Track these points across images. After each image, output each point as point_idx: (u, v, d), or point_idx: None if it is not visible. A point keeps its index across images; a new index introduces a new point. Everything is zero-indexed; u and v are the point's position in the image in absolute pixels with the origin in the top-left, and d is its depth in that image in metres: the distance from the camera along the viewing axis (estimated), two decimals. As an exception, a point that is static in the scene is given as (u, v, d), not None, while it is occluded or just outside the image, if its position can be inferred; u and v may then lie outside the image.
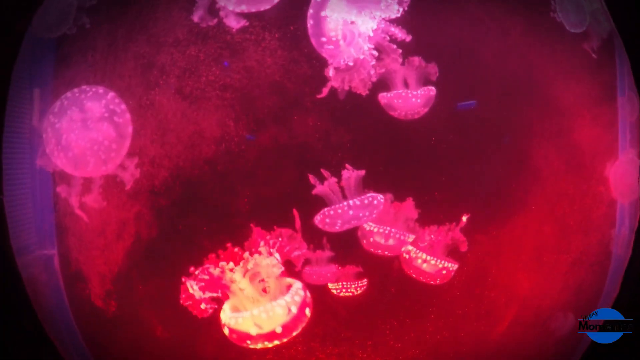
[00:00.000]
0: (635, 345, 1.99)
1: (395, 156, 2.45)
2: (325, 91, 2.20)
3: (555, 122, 2.50)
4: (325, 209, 2.18)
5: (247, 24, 2.20)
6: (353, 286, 2.36)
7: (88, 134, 2.19)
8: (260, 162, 2.35)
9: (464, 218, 2.31)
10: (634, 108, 2.47)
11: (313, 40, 2.23)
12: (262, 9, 2.16)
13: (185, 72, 2.34)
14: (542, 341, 2.49)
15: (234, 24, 2.17)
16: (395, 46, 2.20)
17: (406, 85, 2.41)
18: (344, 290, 2.35)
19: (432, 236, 2.30)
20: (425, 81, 2.40)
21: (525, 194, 2.47)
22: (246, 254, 1.93)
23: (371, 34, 2.15)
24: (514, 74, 2.49)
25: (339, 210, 2.16)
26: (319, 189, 2.18)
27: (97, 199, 2.28)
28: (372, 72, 2.19)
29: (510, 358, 2.50)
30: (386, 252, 2.37)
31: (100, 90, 2.25)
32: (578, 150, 2.50)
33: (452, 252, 2.35)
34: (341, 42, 2.16)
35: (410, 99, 2.40)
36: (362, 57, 2.17)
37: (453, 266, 2.32)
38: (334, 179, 2.19)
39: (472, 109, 2.47)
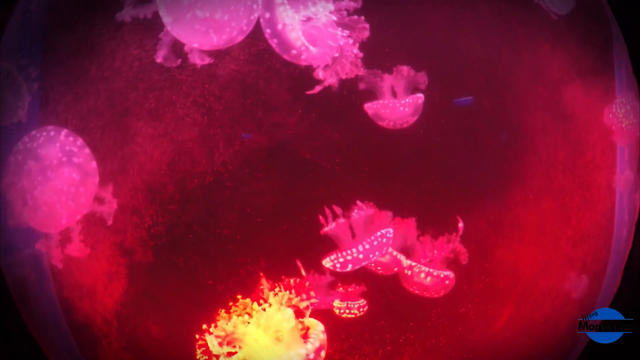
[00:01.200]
0: (635, 345, 2.12)
1: (386, 164, 2.43)
2: (317, 89, 2.17)
3: (548, 93, 2.53)
4: (335, 256, 2.19)
5: (212, 61, 2.15)
6: (356, 306, 2.36)
7: (51, 184, 2.06)
8: (254, 180, 2.31)
9: (460, 224, 2.31)
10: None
11: (286, 57, 2.18)
12: (225, 47, 2.10)
13: (155, 92, 2.25)
14: (554, 314, 2.56)
15: (198, 61, 2.11)
16: (356, 16, 2.18)
17: (394, 94, 2.38)
18: (347, 311, 2.35)
19: (435, 252, 2.31)
20: (413, 89, 2.37)
21: (523, 172, 2.49)
22: (257, 306, 1.90)
23: (335, 18, 2.13)
24: (497, 52, 2.49)
25: (349, 257, 2.17)
26: (328, 230, 2.18)
27: (80, 247, 2.18)
28: (356, 51, 2.17)
29: (521, 339, 2.56)
30: (378, 268, 2.37)
31: (52, 132, 2.12)
32: (574, 119, 2.54)
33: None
34: (311, 48, 2.14)
35: (398, 108, 2.36)
36: (341, 42, 2.15)
37: (453, 275, 2.36)
38: (343, 220, 2.18)
39: (469, 104, 2.47)
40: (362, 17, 2.15)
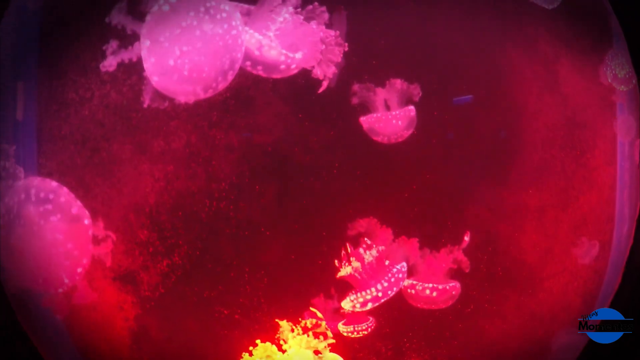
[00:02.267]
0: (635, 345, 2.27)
1: (384, 179, 2.46)
2: (325, 84, 2.22)
3: (545, 74, 2.57)
4: (354, 296, 2.25)
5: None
6: (364, 327, 2.42)
7: (40, 252, 2.05)
8: (254, 200, 2.33)
9: (466, 238, 2.37)
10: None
11: (276, 75, 2.19)
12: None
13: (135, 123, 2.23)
14: (564, 293, 2.65)
15: (184, 100, 2.07)
16: (310, 6, 2.20)
17: (388, 108, 2.38)
18: (355, 333, 2.42)
19: (444, 265, 2.37)
20: (407, 102, 2.38)
21: (523, 161, 2.55)
22: (276, 349, 1.94)
23: (302, 16, 2.17)
24: (487, 42, 2.51)
25: (368, 297, 2.22)
26: (343, 274, 2.24)
27: (86, 293, 2.21)
28: (333, 33, 2.21)
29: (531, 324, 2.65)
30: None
31: (22, 195, 2.08)
32: (571, 100, 2.59)
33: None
34: (293, 54, 2.16)
35: (390, 121, 2.36)
36: (321, 34, 2.18)
37: (459, 285, 2.44)
38: (357, 264, 2.23)
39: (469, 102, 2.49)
40: (315, 3, 2.16)
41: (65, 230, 2.04)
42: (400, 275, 2.27)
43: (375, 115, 2.36)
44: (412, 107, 2.37)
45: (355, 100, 2.33)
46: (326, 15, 2.16)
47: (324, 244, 2.39)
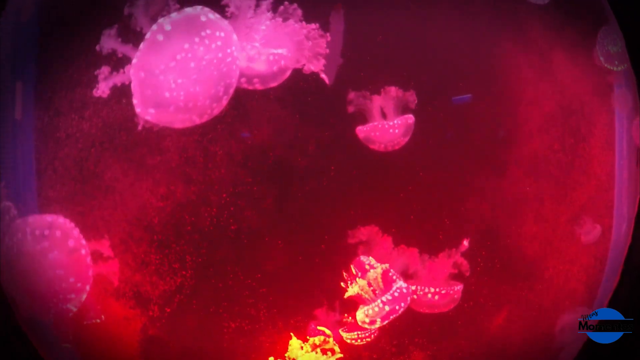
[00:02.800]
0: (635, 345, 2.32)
1: (381, 186, 2.49)
2: (326, 79, 2.27)
3: (540, 64, 2.59)
4: (365, 309, 2.29)
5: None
6: (366, 334, 2.46)
7: (43, 281, 2.06)
8: (255, 211, 2.36)
9: (465, 242, 2.40)
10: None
11: (273, 84, 2.23)
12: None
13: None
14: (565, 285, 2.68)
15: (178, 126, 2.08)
16: (282, 6, 2.22)
17: (384, 115, 2.39)
18: (358, 340, 2.46)
19: (444, 268, 2.41)
20: (403, 109, 2.39)
21: (519, 151, 2.58)
22: None
23: (280, 18, 2.20)
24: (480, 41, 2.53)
25: (376, 309, 2.26)
26: (352, 292, 2.29)
27: (95, 314, 2.25)
28: (314, 27, 2.23)
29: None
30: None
31: (19, 234, 2.10)
32: (567, 88, 2.62)
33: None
34: (285, 51, 2.19)
35: (387, 130, 2.39)
36: (305, 31, 2.22)
37: (460, 287, 2.48)
38: (364, 281, 2.28)
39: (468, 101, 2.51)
40: (286, 2, 2.18)
41: (65, 264, 2.06)
42: (405, 291, 2.31)
43: (371, 124, 2.38)
44: (410, 115, 2.39)
45: (351, 109, 2.35)
46: (299, 12, 2.18)
47: (325, 245, 2.43)
